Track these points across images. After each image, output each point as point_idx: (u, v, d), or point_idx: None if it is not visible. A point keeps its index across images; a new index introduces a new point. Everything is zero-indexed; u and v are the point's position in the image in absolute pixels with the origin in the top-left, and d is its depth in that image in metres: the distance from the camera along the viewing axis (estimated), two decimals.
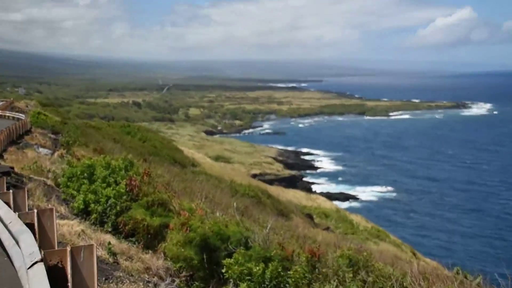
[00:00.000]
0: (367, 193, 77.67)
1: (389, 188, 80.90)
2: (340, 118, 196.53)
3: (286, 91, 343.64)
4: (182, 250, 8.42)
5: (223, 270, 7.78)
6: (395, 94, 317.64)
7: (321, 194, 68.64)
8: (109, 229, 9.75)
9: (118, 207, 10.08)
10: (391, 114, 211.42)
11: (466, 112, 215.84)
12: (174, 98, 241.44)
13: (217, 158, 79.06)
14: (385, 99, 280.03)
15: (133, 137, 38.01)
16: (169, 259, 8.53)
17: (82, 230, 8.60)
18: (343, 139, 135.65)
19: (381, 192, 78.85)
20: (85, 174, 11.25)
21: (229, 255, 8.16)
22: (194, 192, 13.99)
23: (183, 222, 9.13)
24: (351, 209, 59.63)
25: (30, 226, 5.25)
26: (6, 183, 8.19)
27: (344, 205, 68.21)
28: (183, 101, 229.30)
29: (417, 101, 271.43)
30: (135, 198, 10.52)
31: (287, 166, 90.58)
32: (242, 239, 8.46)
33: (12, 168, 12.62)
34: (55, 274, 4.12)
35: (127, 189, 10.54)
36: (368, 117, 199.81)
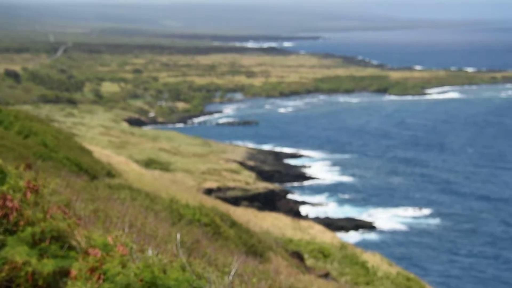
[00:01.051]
0: (388, 218, 78.93)
1: (423, 211, 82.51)
2: (346, 99, 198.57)
3: (260, 55, 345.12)
4: None
5: None
6: (437, 60, 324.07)
7: (317, 220, 69.19)
8: None
9: None
10: (428, 91, 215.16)
11: None
12: (75, 65, 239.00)
13: (148, 164, 78.67)
14: (420, 67, 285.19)
15: (7, 130, 37.39)
16: None
17: None
18: (350, 132, 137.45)
19: (410, 217, 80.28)
20: None
21: None
22: (110, 218, 13.94)
23: (93, 267, 9.08)
24: (364, 244, 60.38)
25: None
26: None
27: (353, 237, 69.03)
28: (91, 71, 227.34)
29: (472, 70, 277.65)
30: (12, 229, 10.39)
31: (262, 175, 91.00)
32: None
33: None
34: None
35: None
36: (392, 97, 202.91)
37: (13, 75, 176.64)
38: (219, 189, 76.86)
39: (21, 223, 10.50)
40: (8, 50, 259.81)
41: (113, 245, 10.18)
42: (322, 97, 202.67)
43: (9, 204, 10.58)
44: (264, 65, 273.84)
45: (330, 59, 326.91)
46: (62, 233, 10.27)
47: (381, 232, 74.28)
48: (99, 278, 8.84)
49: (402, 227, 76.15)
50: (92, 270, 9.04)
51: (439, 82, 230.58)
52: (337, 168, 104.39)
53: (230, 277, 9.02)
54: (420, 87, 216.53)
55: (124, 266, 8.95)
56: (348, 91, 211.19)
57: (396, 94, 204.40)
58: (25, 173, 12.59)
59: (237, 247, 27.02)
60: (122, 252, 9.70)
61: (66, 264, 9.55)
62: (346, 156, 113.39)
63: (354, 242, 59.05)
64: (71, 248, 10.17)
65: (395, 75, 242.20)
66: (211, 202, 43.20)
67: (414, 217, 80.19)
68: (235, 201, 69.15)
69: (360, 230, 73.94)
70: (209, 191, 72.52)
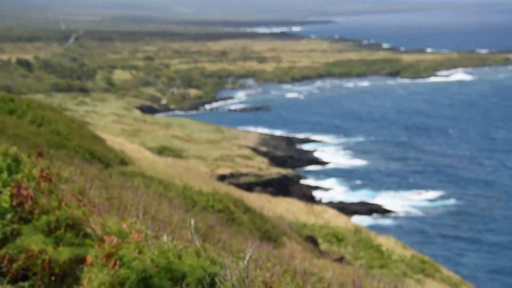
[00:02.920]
0: (403, 202, 78.85)
1: (439, 193, 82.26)
2: (358, 83, 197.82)
3: (272, 40, 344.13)
4: None
5: None
6: (449, 42, 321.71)
7: (330, 204, 69.29)
8: None
9: None
10: (441, 74, 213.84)
11: None
12: (87, 53, 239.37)
13: (161, 151, 78.79)
14: (432, 50, 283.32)
15: (20, 119, 37.55)
16: None
17: None
18: (363, 116, 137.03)
19: (426, 200, 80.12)
20: None
21: None
22: (125, 205, 13.98)
23: (109, 253, 9.13)
24: (378, 228, 60.44)
25: None
26: None
27: (367, 221, 69.01)
28: (103, 59, 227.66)
29: (485, 51, 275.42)
30: (28, 218, 10.45)
31: (275, 161, 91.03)
32: (206, 277, 8.51)
33: None
34: None
35: (14, 203, 10.47)
36: (404, 80, 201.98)
37: (25, 64, 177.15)
38: (232, 175, 76.95)
39: (36, 211, 10.56)
40: (19, 39, 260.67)
41: (128, 232, 10.21)
42: (334, 81, 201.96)
43: (24, 192, 10.63)
44: (276, 50, 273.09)
45: (342, 43, 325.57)
46: (77, 221, 10.32)
47: (394, 215, 74.23)
48: (115, 264, 8.89)
49: (416, 211, 76.01)
50: (108, 256, 9.08)
51: (451, 64, 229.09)
52: (349, 152, 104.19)
53: (245, 262, 9.03)
54: (432, 70, 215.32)
55: (140, 252, 9.00)
56: (360, 75, 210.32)
57: (409, 77, 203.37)
58: (38, 161, 12.66)
59: (251, 232, 27.09)
60: (137, 239, 9.74)
61: (82, 251, 9.61)
62: (359, 140, 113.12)
63: (368, 226, 59.09)
64: (86, 235, 10.22)
65: (407, 58, 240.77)
66: (224, 188, 43.32)
67: (428, 200, 79.99)
68: (249, 187, 69.28)
69: (374, 214, 73.94)
70: (222, 178, 72.64)
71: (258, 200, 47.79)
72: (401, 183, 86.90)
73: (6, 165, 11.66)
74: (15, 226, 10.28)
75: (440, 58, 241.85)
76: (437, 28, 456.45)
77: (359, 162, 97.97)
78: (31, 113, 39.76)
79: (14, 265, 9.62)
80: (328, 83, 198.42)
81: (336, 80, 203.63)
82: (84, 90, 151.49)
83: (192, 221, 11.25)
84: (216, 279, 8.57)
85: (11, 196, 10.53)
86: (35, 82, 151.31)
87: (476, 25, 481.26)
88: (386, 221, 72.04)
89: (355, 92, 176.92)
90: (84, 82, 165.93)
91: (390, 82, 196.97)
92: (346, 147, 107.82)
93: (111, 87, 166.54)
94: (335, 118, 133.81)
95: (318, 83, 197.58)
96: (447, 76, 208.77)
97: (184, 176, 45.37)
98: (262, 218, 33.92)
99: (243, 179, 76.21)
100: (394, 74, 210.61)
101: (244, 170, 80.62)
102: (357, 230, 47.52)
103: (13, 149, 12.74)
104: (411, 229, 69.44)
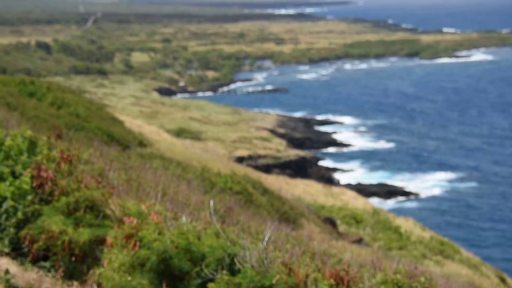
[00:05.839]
0: (423, 183, 78.51)
1: (460, 175, 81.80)
2: (377, 64, 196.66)
3: (289, 21, 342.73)
4: (129, 278, 8.48)
5: None
6: (469, 21, 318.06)
7: (349, 186, 69.16)
8: (6, 250, 9.76)
9: (19, 214, 10.06)
10: (460, 54, 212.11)
11: None
12: (105, 36, 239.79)
13: (179, 133, 79.08)
14: (452, 30, 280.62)
15: (39, 101, 37.78)
16: None
17: None
18: (381, 98, 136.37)
19: (446, 181, 79.72)
20: None
21: (205, 284, 8.25)
22: (143, 187, 14.06)
23: (129, 234, 9.17)
24: (397, 210, 60.27)
25: None
26: None
27: (386, 203, 68.87)
28: (121, 41, 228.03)
29: (506, 31, 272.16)
30: (48, 199, 10.52)
31: (293, 143, 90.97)
32: (225, 258, 8.53)
33: None
34: None
35: (34, 185, 10.53)
36: (423, 61, 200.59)
37: (44, 47, 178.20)
38: (250, 157, 77.03)
39: (56, 192, 10.62)
40: (38, 22, 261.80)
41: (147, 213, 10.25)
42: (352, 62, 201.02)
43: (43, 174, 10.69)
44: (293, 32, 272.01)
45: (360, 24, 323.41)
46: (97, 202, 10.37)
47: (414, 197, 73.91)
48: (135, 245, 8.93)
49: (436, 192, 75.60)
50: (128, 237, 9.13)
51: (471, 44, 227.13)
52: (368, 133, 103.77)
53: (264, 243, 9.04)
54: (451, 50, 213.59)
55: (160, 233, 9.03)
56: (378, 56, 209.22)
57: (428, 58, 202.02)
58: (58, 143, 12.71)
59: (269, 214, 27.15)
60: (156, 220, 9.78)
61: (102, 232, 9.66)
62: (378, 121, 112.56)
63: (386, 208, 58.95)
64: (105, 217, 10.27)
65: (426, 38, 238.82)
66: (242, 170, 43.35)
67: (449, 181, 79.51)
68: (267, 169, 69.29)
69: (393, 196, 73.67)
70: (240, 160, 72.76)
71: (276, 182, 47.80)
72: (422, 164, 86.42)
73: (27, 147, 11.74)
74: (36, 207, 10.36)
75: (460, 39, 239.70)
76: (457, 7, 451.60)
77: (378, 144, 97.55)
78: (50, 96, 40.00)
79: (35, 246, 9.70)
80: (346, 64, 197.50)
81: (354, 61, 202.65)
82: (102, 73, 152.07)
83: (211, 202, 11.28)
84: (236, 260, 8.59)
85: (32, 178, 10.60)
86: (54, 65, 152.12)
87: (496, 4, 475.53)
88: (405, 203, 71.82)
89: (374, 73, 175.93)
90: (102, 64, 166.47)
91: (409, 63, 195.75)
92: (365, 128, 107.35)
93: (129, 69, 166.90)
94: (353, 100, 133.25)
95: (337, 64, 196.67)
96: (467, 56, 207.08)
97: (202, 158, 45.49)
98: (280, 199, 33.96)
99: (261, 161, 76.28)
100: (413, 54, 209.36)
101: (262, 152, 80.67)
102: (375, 211, 47.41)
103: (34, 131, 12.83)
104: (431, 210, 69.15)
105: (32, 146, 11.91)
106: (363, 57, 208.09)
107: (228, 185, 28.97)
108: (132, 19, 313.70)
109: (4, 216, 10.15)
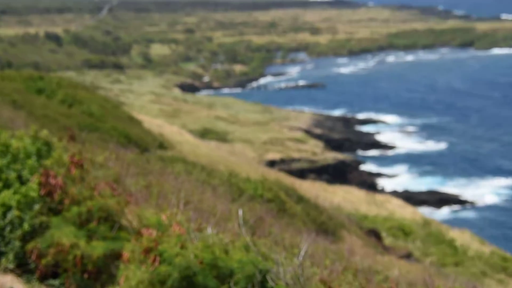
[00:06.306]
0: (479, 190, 77.72)
1: None
2: (425, 56, 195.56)
3: (326, 9, 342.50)
4: None
5: None
6: None
7: (395, 194, 68.78)
8: (11, 266, 9.78)
9: (26, 225, 10.07)
10: None
11: None
12: (122, 26, 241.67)
13: (204, 134, 79.36)
14: (511, 17, 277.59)
15: (49, 98, 38.13)
16: None
17: None
18: (430, 94, 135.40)
19: (505, 188, 78.89)
20: None
21: None
22: (164, 194, 14.04)
23: (148, 248, 9.14)
24: (451, 221, 59.75)
25: None
26: None
27: (438, 213, 68.32)
28: (139, 32, 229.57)
29: None
30: (57, 209, 10.53)
31: (331, 145, 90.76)
32: (256, 274, 8.47)
33: None
34: None
35: (42, 192, 10.54)
36: (478, 52, 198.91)
37: (54, 38, 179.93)
38: (282, 161, 77.01)
39: (66, 201, 10.59)
40: (48, 10, 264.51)
41: (168, 224, 10.21)
42: (397, 54, 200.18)
43: (52, 181, 10.69)
44: (330, 21, 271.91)
45: (406, 11, 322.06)
46: (112, 212, 10.35)
47: (470, 206, 73.19)
48: (154, 260, 8.88)
49: (495, 200, 74.83)
50: (147, 251, 9.08)
51: None
52: (415, 134, 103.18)
53: (300, 258, 8.96)
54: (511, 39, 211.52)
55: (182, 246, 8.97)
56: (427, 47, 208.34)
57: (483, 49, 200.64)
58: (69, 145, 12.73)
59: (305, 224, 27.05)
60: (179, 232, 9.72)
61: (117, 246, 9.63)
62: (426, 120, 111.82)
63: (438, 218, 58.47)
64: (121, 228, 10.25)
65: (482, 26, 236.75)
66: (274, 175, 43.36)
67: (509, 188, 78.60)
68: (301, 174, 69.20)
69: (445, 205, 73.04)
70: (271, 163, 72.72)
71: (312, 189, 47.65)
72: (477, 169, 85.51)
73: (35, 149, 11.74)
74: (44, 218, 10.35)
75: None
76: None
77: (427, 146, 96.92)
78: (61, 93, 40.33)
79: (43, 261, 9.69)
80: (390, 56, 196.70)
81: (399, 53, 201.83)
82: (118, 67, 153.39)
83: (240, 212, 11.21)
84: (268, 277, 8.51)
85: (40, 184, 10.60)
86: (65, 58, 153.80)
87: None
88: (459, 213, 71.14)
89: (421, 66, 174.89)
90: (118, 57, 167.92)
91: (462, 54, 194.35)
92: (412, 128, 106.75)
93: (148, 63, 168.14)
94: (398, 96, 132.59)
95: (379, 56, 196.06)
96: None
97: (229, 162, 45.57)
98: (317, 208, 33.85)
99: (295, 165, 76.21)
100: (467, 45, 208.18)
101: (296, 155, 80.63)
102: (426, 222, 47.07)
103: (44, 132, 12.84)
104: (489, 221, 68.36)
105: (47, 148, 11.92)
106: (409, 48, 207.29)
107: (259, 192, 28.95)
108: (152, 7, 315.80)
109: (8, 228, 10.14)
